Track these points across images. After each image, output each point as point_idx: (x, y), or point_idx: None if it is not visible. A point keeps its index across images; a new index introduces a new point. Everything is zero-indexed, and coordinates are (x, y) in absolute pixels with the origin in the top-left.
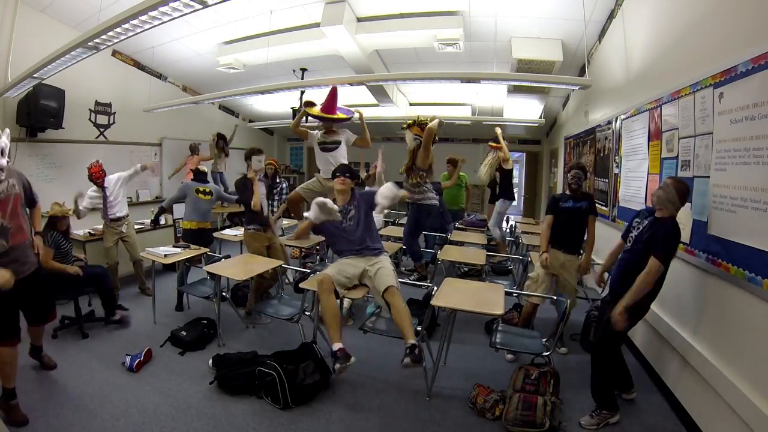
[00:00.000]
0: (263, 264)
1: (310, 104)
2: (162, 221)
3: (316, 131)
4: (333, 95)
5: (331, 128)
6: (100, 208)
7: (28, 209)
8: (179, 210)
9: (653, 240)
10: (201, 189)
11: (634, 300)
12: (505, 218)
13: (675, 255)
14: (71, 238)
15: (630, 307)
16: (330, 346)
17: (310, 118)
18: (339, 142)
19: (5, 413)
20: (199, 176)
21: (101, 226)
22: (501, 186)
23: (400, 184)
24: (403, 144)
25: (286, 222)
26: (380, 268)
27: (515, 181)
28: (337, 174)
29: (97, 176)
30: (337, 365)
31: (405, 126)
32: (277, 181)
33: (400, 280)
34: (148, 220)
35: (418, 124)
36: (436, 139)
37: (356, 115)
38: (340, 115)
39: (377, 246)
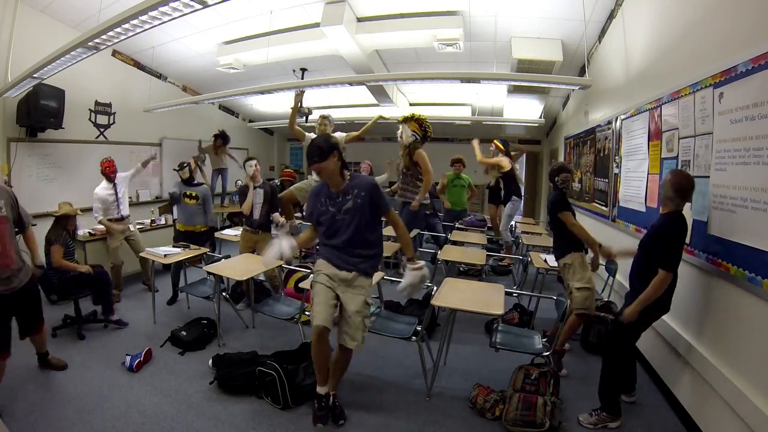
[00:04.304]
0: (263, 264)
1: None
2: (162, 221)
3: (312, 134)
4: None
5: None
6: (110, 206)
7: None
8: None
9: (652, 243)
10: (188, 193)
11: (646, 304)
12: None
13: (683, 248)
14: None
15: (643, 309)
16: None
17: (310, 118)
18: None
19: None
20: (186, 180)
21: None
22: (506, 188)
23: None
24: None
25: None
26: (355, 311)
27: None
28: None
29: (110, 170)
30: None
31: (402, 119)
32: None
33: (398, 279)
34: (148, 220)
35: (416, 120)
36: (429, 136)
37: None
38: None
39: (365, 261)
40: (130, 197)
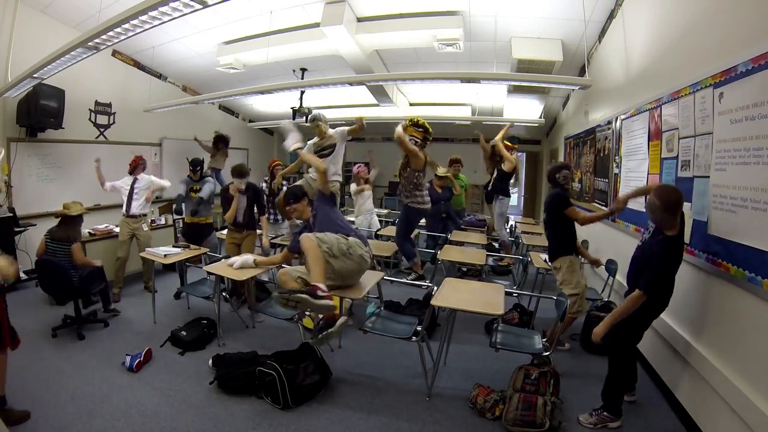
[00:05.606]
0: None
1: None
2: (162, 221)
3: (312, 142)
4: None
5: (324, 132)
6: (123, 193)
7: None
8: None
9: (647, 262)
10: (195, 187)
11: (616, 320)
12: (506, 219)
13: (674, 270)
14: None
15: (614, 324)
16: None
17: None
18: (334, 146)
19: (2, 418)
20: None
21: (116, 227)
22: (496, 184)
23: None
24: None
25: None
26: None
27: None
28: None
29: (131, 164)
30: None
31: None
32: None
33: (398, 279)
34: (149, 220)
35: (414, 125)
36: (430, 138)
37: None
38: None
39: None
40: None
